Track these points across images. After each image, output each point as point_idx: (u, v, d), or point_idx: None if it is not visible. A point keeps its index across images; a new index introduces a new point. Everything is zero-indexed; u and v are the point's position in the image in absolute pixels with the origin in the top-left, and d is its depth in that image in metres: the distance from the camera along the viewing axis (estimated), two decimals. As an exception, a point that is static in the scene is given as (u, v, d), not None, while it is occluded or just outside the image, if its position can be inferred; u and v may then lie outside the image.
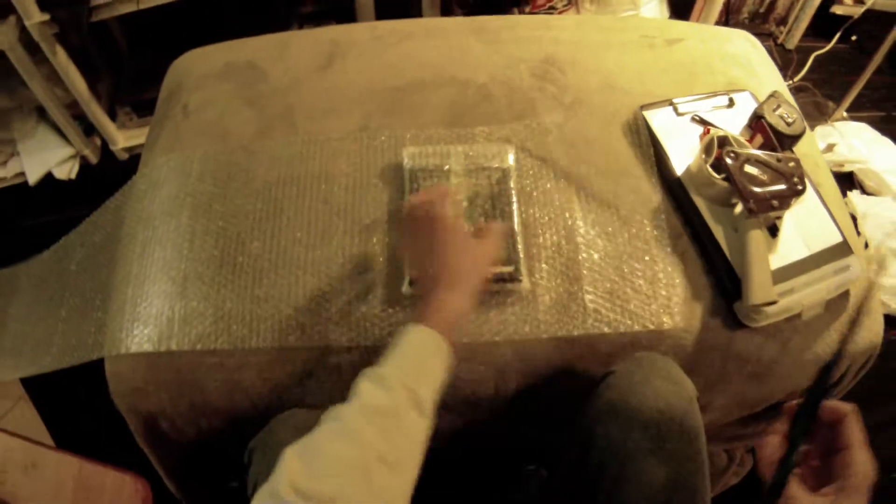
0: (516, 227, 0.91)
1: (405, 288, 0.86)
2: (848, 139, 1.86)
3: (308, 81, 1.09)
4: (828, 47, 2.13)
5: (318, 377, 0.85)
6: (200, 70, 1.16)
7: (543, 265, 0.90)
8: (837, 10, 2.09)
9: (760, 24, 2.12)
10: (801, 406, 0.56)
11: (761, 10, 2.10)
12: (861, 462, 0.51)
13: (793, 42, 2.11)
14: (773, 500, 0.51)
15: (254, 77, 1.11)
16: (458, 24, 1.18)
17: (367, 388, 0.62)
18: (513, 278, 0.87)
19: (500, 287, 0.87)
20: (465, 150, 0.97)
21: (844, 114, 1.93)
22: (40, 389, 1.55)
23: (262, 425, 0.85)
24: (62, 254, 1.34)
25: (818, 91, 2.03)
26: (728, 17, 1.96)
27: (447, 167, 0.95)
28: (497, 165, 0.96)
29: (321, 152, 0.99)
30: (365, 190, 0.95)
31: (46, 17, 1.49)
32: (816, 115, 1.95)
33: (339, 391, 0.64)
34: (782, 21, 2.10)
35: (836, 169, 1.80)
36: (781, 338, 0.90)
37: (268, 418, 0.83)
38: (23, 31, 1.53)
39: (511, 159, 0.97)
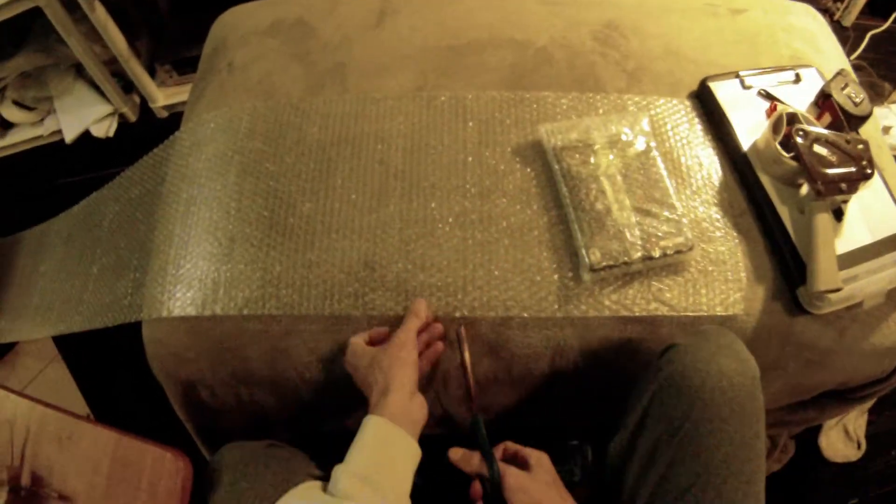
0: (672, 193, 0.89)
1: None
2: (904, 122, 1.79)
3: (360, 38, 1.06)
4: (885, 26, 2.04)
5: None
6: (246, 26, 1.13)
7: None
8: (897, -12, 2.02)
9: (817, 0, 2.04)
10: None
11: (819, -15, 2.01)
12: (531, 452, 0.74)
13: (849, 19, 2.03)
14: (498, 489, 0.69)
15: (302, 33, 1.08)
16: (515, -15, 1.13)
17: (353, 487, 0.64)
18: (684, 248, 0.85)
19: (675, 259, 0.85)
20: (603, 121, 0.93)
21: (902, 95, 1.86)
22: (74, 350, 1.55)
23: (306, 397, 0.83)
24: (93, 209, 1.32)
25: (874, 71, 1.95)
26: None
27: (590, 142, 0.91)
28: (637, 134, 0.92)
29: (376, 111, 0.95)
30: (424, 152, 0.91)
31: (86, -31, 1.46)
32: (873, 96, 1.86)
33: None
34: (839, -3, 2.02)
35: (893, 153, 1.74)
36: (839, 326, 0.87)
37: (313, 390, 0.81)
38: (61, -15, 1.50)
39: (646, 125, 0.94)
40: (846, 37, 2.02)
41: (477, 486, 0.73)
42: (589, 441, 1.03)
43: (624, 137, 0.92)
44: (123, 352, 1.13)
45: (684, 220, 0.87)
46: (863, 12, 2.03)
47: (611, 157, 0.90)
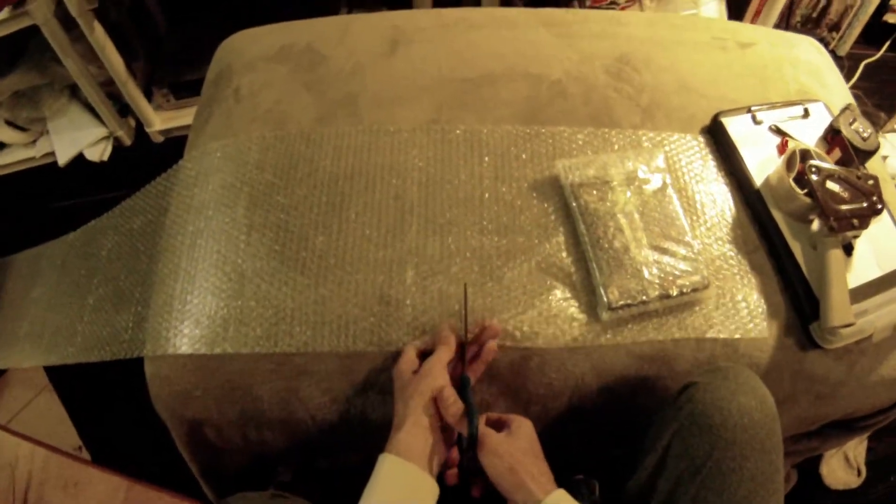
0: (688, 230, 0.88)
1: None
2: (900, 152, 1.81)
3: (372, 67, 1.04)
4: (878, 55, 2.08)
5: (382, 390, 0.80)
6: (252, 51, 1.11)
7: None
8: (890, 18, 2.05)
9: (812, 29, 2.07)
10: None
11: (813, 16, 2.04)
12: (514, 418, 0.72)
13: (844, 49, 2.06)
14: (474, 446, 0.68)
15: (312, 61, 1.06)
16: (527, 16, 1.13)
17: None
18: (700, 286, 0.85)
19: (691, 298, 0.85)
20: (619, 158, 0.93)
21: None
22: (66, 380, 1.51)
23: (317, 437, 0.81)
24: (90, 237, 1.28)
25: (868, 101, 1.98)
26: (787, 21, 1.91)
27: (607, 179, 0.91)
28: (652, 169, 0.92)
29: (390, 143, 0.93)
30: (439, 186, 0.90)
31: (86, -9, 1.44)
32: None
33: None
34: (835, 27, 2.05)
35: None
36: (849, 359, 0.87)
37: (324, 431, 0.79)
38: (59, 4, 1.48)
39: (661, 161, 0.94)
40: (841, 66, 2.04)
41: (454, 454, 0.73)
42: (596, 475, 1.02)
43: (641, 174, 0.92)
44: (118, 383, 1.10)
45: (700, 258, 0.86)
46: (857, 42, 2.07)
47: (628, 194, 0.90)
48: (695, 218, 0.92)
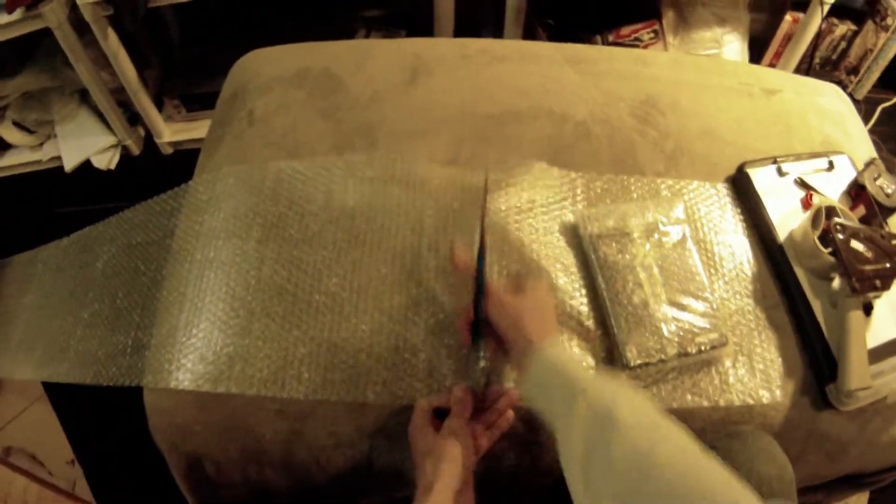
0: (707, 286, 0.86)
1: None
2: (914, 199, 1.79)
3: (391, 97, 1.02)
4: (895, 100, 2.06)
5: (389, 435, 0.78)
6: (269, 72, 1.09)
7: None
8: (908, 62, 2.04)
9: (831, 72, 2.05)
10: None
11: (833, 58, 2.03)
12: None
13: (862, 92, 2.05)
14: (480, 296, 0.72)
15: (330, 86, 1.04)
16: (552, 51, 1.11)
17: None
18: (718, 343, 0.82)
19: (708, 356, 0.82)
20: (640, 207, 0.90)
21: (912, 171, 1.87)
22: (61, 390, 1.46)
23: (320, 481, 0.78)
24: (86, 245, 1.25)
25: (884, 146, 1.96)
26: (810, 64, 1.90)
27: (630, 233, 0.88)
28: (672, 221, 0.90)
29: (410, 179, 0.91)
30: (461, 228, 0.87)
31: (103, -3, 1.42)
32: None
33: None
34: (853, 70, 2.04)
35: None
36: (862, 419, 0.86)
37: (328, 475, 0.76)
38: (73, 9, 1.46)
39: (681, 212, 0.91)
40: (858, 110, 2.03)
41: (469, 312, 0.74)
42: None
43: (660, 226, 0.89)
44: (114, 397, 1.06)
45: (719, 314, 0.84)
46: (875, 86, 2.05)
47: (647, 246, 0.88)
48: (713, 271, 0.90)
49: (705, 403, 0.81)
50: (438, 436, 0.71)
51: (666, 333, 0.81)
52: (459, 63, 1.07)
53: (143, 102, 1.69)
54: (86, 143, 1.78)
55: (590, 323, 0.84)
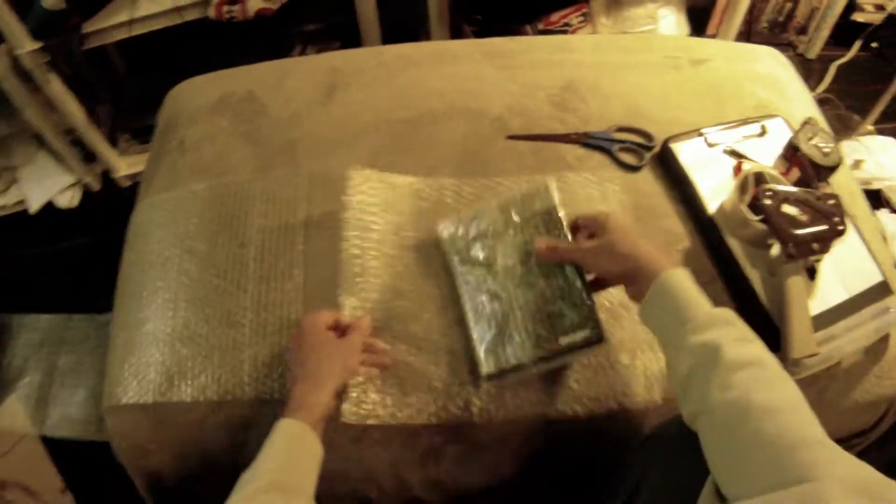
0: (578, 280, 0.77)
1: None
2: (875, 156, 1.77)
3: (309, 114, 1.03)
4: (849, 56, 2.04)
5: (332, 443, 0.76)
6: (196, 102, 1.10)
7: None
8: (858, 17, 2.01)
9: (780, 34, 2.03)
10: None
11: (780, 20, 2.01)
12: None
13: (814, 52, 2.02)
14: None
15: (252, 110, 1.05)
16: (469, 48, 1.11)
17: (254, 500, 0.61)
18: (592, 341, 0.76)
19: (582, 354, 0.79)
20: (500, 204, 0.84)
21: (870, 127, 1.84)
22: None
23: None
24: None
25: (841, 103, 1.94)
26: (750, 28, 1.88)
27: (488, 232, 0.83)
28: (540, 209, 0.82)
29: (323, 194, 0.92)
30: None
31: (38, 45, 1.43)
32: (841, 128, 1.86)
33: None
34: (802, 30, 2.02)
35: (863, 187, 1.72)
36: (818, 386, 0.84)
37: None
38: (15, 59, 1.47)
39: (555, 196, 0.82)
40: (811, 69, 2.01)
41: None
42: None
43: (528, 223, 0.82)
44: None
45: (594, 310, 0.76)
46: (827, 44, 2.03)
47: (510, 245, 0.82)
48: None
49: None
50: (334, 337, 0.76)
51: (523, 339, 0.77)
52: (376, 72, 1.07)
53: (95, 140, 1.70)
54: (48, 185, 1.80)
55: (454, 333, 0.83)
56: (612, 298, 0.84)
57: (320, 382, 0.71)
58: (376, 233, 0.90)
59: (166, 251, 0.91)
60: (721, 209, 0.90)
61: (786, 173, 0.93)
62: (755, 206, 0.85)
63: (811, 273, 0.85)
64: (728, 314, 0.63)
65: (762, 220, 0.83)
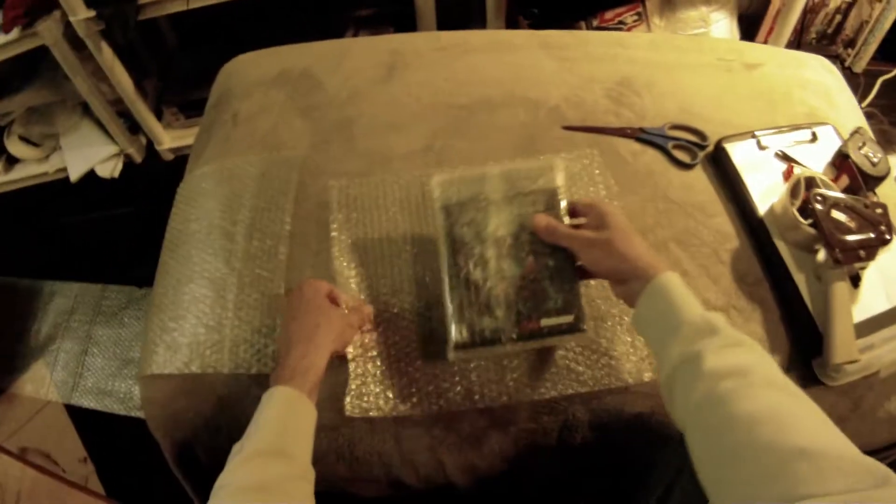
0: (569, 265, 0.75)
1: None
2: (918, 171, 1.76)
3: (368, 93, 1.04)
4: (895, 72, 2.03)
5: (371, 419, 0.79)
6: (252, 76, 1.12)
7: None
8: (907, 32, 2.00)
9: (827, 46, 2.03)
10: None
11: (829, 31, 2.00)
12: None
13: (860, 65, 2.01)
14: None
15: (309, 86, 1.06)
16: (527, 39, 1.12)
17: (242, 467, 0.61)
18: (572, 328, 0.74)
19: (560, 340, 0.77)
20: (503, 173, 0.79)
21: (914, 143, 1.84)
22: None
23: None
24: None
25: (885, 118, 1.93)
26: (800, 38, 1.87)
27: (483, 197, 0.78)
28: (543, 187, 0.78)
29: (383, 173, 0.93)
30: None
31: (92, 13, 1.46)
32: (884, 144, 1.85)
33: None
34: (850, 43, 2.01)
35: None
36: (854, 395, 0.83)
37: (316, 460, 0.77)
38: (67, 26, 1.50)
39: (560, 178, 0.78)
40: (857, 83, 2.00)
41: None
42: (594, 499, 0.99)
43: (527, 196, 0.78)
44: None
45: (580, 297, 0.74)
46: (874, 58, 2.02)
47: (504, 215, 0.77)
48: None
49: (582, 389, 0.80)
50: (335, 307, 0.76)
51: (503, 314, 0.74)
52: (435, 56, 1.08)
53: (142, 112, 1.73)
54: (89, 154, 1.83)
55: (415, 307, 0.83)
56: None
57: (316, 345, 0.70)
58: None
59: (214, 222, 0.92)
60: (771, 211, 0.91)
61: (835, 180, 0.93)
62: (805, 210, 0.85)
63: (855, 280, 0.85)
64: (716, 320, 0.61)
65: (811, 225, 0.84)
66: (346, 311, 0.78)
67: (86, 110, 1.86)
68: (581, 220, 0.75)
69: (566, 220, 0.76)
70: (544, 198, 0.77)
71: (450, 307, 0.75)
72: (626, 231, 0.69)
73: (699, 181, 0.96)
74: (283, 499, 0.59)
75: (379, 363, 0.80)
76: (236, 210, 0.92)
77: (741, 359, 0.57)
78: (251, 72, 1.12)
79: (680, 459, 0.68)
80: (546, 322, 0.73)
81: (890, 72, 2.01)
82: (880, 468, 0.45)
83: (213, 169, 0.98)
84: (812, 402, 0.53)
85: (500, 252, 0.75)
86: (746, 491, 0.48)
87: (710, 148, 0.99)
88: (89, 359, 1.57)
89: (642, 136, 0.99)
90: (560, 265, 0.74)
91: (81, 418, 1.49)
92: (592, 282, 0.84)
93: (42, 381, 1.55)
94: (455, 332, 0.74)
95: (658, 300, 0.64)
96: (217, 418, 0.81)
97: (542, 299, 0.74)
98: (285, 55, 1.13)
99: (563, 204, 0.77)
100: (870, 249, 0.82)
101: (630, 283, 0.67)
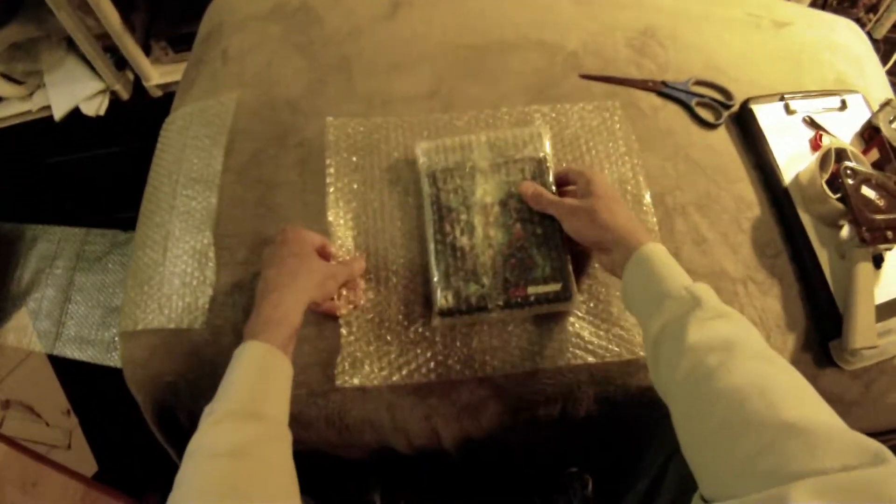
0: (560, 233, 0.75)
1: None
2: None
3: (370, 30, 0.96)
4: (917, 40, 1.95)
5: (362, 385, 0.74)
6: (245, 9, 1.03)
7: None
8: (932, -1, 1.92)
9: (849, 9, 1.94)
10: None
11: (851, -5, 1.92)
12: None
13: (881, 31, 1.94)
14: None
15: (307, 20, 0.98)
16: (546, -23, 1.03)
17: (214, 430, 0.56)
18: (560, 297, 0.73)
19: (548, 309, 0.74)
20: (489, 140, 0.80)
21: (932, 115, 1.78)
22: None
23: (297, 433, 0.75)
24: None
25: (904, 89, 1.87)
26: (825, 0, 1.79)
27: (470, 164, 0.78)
28: (530, 155, 0.79)
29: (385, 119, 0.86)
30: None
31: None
32: (901, 115, 1.79)
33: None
34: (872, 8, 1.93)
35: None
36: (867, 379, 0.80)
37: (304, 426, 0.74)
38: (50, -44, 1.41)
39: (547, 145, 0.80)
40: (877, 49, 1.92)
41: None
42: (588, 468, 0.96)
43: (515, 163, 0.79)
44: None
45: (568, 265, 0.74)
46: (895, 25, 1.94)
47: (491, 183, 0.78)
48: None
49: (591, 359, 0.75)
50: (318, 257, 0.71)
51: (490, 281, 0.73)
52: (445, -8, 1.00)
53: (129, 46, 1.64)
54: (74, 91, 1.75)
55: (417, 264, 0.78)
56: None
57: (292, 292, 0.65)
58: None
59: (199, 165, 0.85)
60: (796, 181, 0.85)
61: (864, 153, 0.88)
62: (833, 183, 0.80)
63: (878, 261, 0.80)
64: (700, 291, 0.58)
65: (839, 199, 0.79)
66: (335, 264, 0.73)
67: (71, 46, 1.77)
68: (572, 188, 0.74)
69: (553, 188, 0.76)
70: (532, 165, 0.78)
71: (435, 273, 0.74)
72: (609, 199, 0.68)
73: (722, 143, 0.90)
74: (257, 462, 0.55)
75: (373, 328, 0.75)
76: (219, 153, 0.86)
77: (726, 331, 0.55)
78: (244, 5, 1.04)
79: (673, 440, 0.66)
80: (533, 290, 0.73)
81: (911, 41, 1.94)
82: (871, 444, 0.43)
83: (197, 109, 0.92)
84: (800, 374, 0.51)
85: (487, 219, 0.76)
86: (734, 468, 0.46)
87: (736, 108, 0.92)
88: (72, 306, 1.52)
89: (664, 91, 0.92)
90: (548, 233, 0.74)
91: (65, 369, 1.45)
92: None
93: (24, 331, 1.50)
94: (440, 297, 0.73)
95: (641, 271, 0.62)
96: (199, 382, 0.76)
97: (530, 267, 0.74)
98: (282, -14, 1.04)
99: (551, 173, 0.77)
100: (898, 230, 0.77)
101: (613, 253, 0.66)
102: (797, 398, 0.49)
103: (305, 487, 0.59)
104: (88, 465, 1.31)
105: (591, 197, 0.68)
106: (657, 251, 0.63)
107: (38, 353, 1.47)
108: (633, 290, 0.64)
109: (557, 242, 0.74)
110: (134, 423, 1.07)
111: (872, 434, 0.89)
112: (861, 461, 0.42)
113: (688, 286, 0.59)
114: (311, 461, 0.82)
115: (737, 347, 0.53)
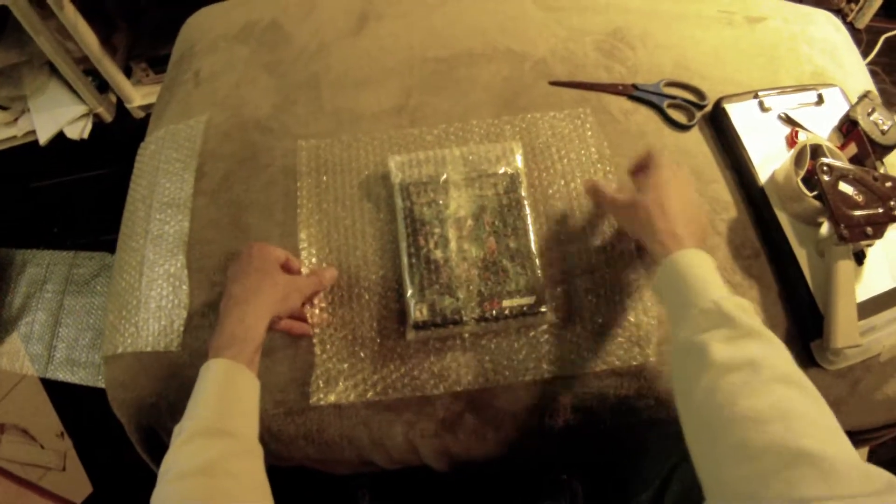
0: (533, 246, 0.76)
1: None
2: (921, 134, 1.69)
3: (337, 46, 0.96)
4: (899, 29, 1.94)
5: (339, 407, 0.74)
6: (216, 30, 1.04)
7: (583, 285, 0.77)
8: (912, -12, 1.91)
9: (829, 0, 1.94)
10: None
11: (833, -14, 1.91)
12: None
13: (863, 21, 1.93)
14: None
15: (275, 39, 0.98)
16: (514, -13, 1.03)
17: (182, 450, 0.56)
18: (533, 310, 0.73)
19: (521, 322, 0.74)
20: (463, 154, 0.80)
21: (916, 104, 1.77)
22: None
23: (277, 450, 0.76)
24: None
25: (887, 77, 1.85)
26: (804, -9, 1.78)
27: (443, 177, 0.79)
28: (503, 170, 0.80)
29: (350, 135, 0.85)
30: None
31: (51, -33, 1.36)
32: (885, 103, 1.77)
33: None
34: (853, -2, 1.92)
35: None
36: (852, 377, 0.79)
37: (285, 443, 0.74)
38: (27, -17, 1.41)
39: (519, 161, 0.81)
40: (859, 40, 1.92)
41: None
42: (580, 475, 0.95)
43: (489, 178, 0.80)
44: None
45: (541, 279, 0.75)
46: (877, 14, 1.93)
47: (464, 196, 0.78)
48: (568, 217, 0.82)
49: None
50: (282, 271, 0.71)
51: (464, 295, 0.73)
52: (412, 4, 1.00)
53: (110, 69, 1.64)
54: (58, 115, 1.75)
55: (390, 280, 0.78)
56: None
57: (256, 308, 0.65)
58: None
59: (171, 189, 0.85)
60: (772, 179, 0.84)
61: (841, 148, 0.87)
62: (810, 181, 0.79)
63: (859, 257, 0.79)
64: (731, 307, 0.57)
65: (816, 197, 0.77)
66: (300, 277, 0.73)
67: (53, 70, 1.77)
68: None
69: (526, 205, 0.78)
70: (505, 181, 0.79)
71: (409, 287, 0.74)
72: (664, 197, 0.67)
73: (696, 144, 0.89)
74: (227, 479, 0.55)
75: (346, 345, 0.75)
76: (194, 176, 0.86)
77: (752, 351, 0.54)
78: (214, 26, 1.04)
79: (678, 451, 0.65)
80: (507, 303, 0.73)
81: (893, 29, 1.93)
82: (883, 474, 0.43)
83: (171, 132, 0.92)
84: (823, 400, 0.50)
85: (460, 233, 0.76)
86: (746, 488, 0.46)
87: (709, 108, 0.91)
88: (62, 330, 1.53)
89: (635, 94, 0.91)
90: (522, 247, 0.75)
91: (57, 391, 1.45)
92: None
93: (17, 355, 1.51)
94: (415, 310, 0.73)
95: (670, 278, 0.63)
96: (181, 404, 0.74)
97: (504, 280, 0.74)
98: (250, 6, 1.04)
99: (524, 189, 0.78)
100: (877, 227, 0.75)
101: (651, 253, 0.67)
102: (817, 426, 0.48)
103: (294, 499, 0.59)
104: (83, 487, 1.32)
105: (642, 193, 0.68)
106: (691, 260, 0.62)
107: (30, 376, 1.47)
108: (662, 296, 0.65)
109: (533, 256, 0.74)
110: (127, 444, 1.07)
111: (862, 432, 0.89)
112: (873, 489, 0.42)
113: (717, 300, 0.58)
114: (298, 473, 0.82)
115: (762, 368, 0.52)
